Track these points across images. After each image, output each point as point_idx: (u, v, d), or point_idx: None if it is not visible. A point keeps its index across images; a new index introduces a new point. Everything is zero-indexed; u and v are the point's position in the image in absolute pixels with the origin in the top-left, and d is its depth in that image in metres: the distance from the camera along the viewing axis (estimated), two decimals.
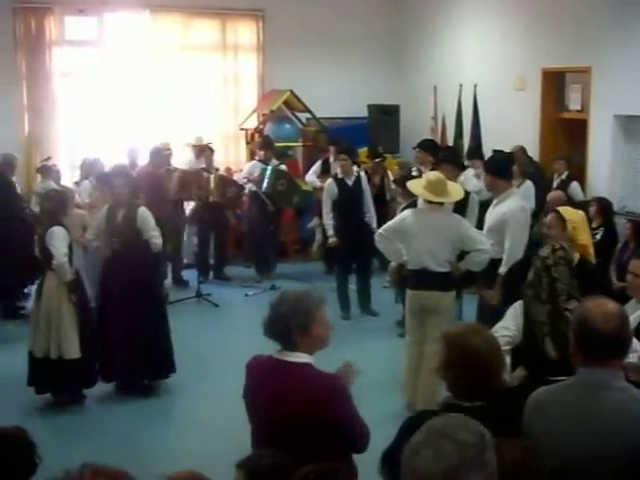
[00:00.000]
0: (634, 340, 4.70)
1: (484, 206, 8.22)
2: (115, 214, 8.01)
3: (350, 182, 10.42)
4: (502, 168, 7.64)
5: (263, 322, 3.88)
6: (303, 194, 12.51)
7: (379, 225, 8.97)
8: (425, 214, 7.34)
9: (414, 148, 11.17)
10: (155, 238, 8.03)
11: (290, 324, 3.81)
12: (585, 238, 6.51)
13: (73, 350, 7.48)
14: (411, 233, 7.24)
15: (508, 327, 4.92)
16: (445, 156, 9.12)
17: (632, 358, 4.75)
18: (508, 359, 4.77)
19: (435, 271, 7.17)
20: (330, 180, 10.56)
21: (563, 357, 4.43)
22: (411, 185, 7.62)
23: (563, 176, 10.97)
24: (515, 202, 7.49)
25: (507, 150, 10.07)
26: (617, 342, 3.15)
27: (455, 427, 2.39)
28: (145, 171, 11.32)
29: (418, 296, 7.28)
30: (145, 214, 8.02)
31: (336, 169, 12.02)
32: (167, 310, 8.37)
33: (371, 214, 10.46)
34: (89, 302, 8.07)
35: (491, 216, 7.58)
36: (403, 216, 7.52)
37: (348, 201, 10.34)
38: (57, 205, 7.67)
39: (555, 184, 10.97)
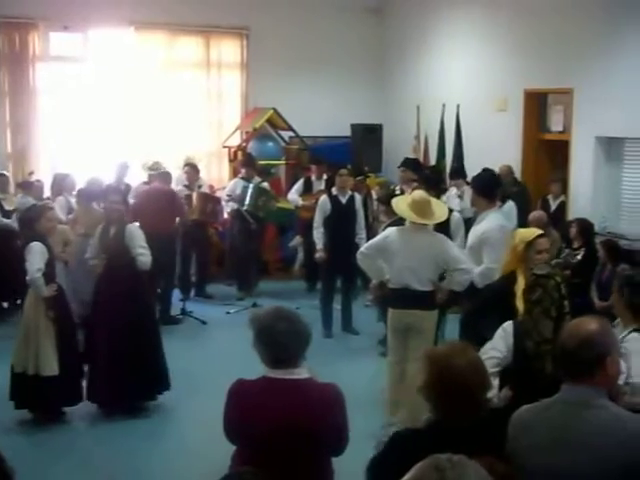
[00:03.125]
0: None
1: (467, 225, 8.25)
2: (108, 232, 7.97)
3: (344, 200, 10.43)
4: (486, 187, 7.66)
5: (275, 341, 3.76)
6: (283, 210, 12.49)
7: None
8: (408, 232, 7.33)
9: (399, 167, 11.23)
10: (142, 256, 7.84)
11: (308, 340, 3.83)
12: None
13: (50, 367, 7.37)
14: (394, 251, 7.23)
15: (497, 348, 4.89)
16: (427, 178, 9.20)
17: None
18: (496, 381, 4.77)
19: (417, 290, 7.15)
20: (324, 196, 10.57)
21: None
22: (396, 204, 7.61)
23: (562, 198, 11.07)
24: (495, 221, 7.49)
25: (496, 170, 10.04)
26: (574, 361, 3.18)
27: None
28: (157, 188, 11.27)
29: (400, 315, 7.25)
30: (133, 230, 7.92)
31: (319, 187, 12.09)
32: (159, 328, 8.28)
33: (362, 236, 10.35)
34: (72, 318, 8.00)
35: (472, 235, 7.60)
36: (386, 234, 7.49)
37: (339, 219, 10.34)
38: (26, 220, 7.62)
39: (554, 207, 11.05)
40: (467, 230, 7.95)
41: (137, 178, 12.48)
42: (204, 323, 11.05)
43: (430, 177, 9.56)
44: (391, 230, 7.56)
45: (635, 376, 4.72)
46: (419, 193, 7.46)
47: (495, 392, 4.73)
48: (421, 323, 7.14)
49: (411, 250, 7.13)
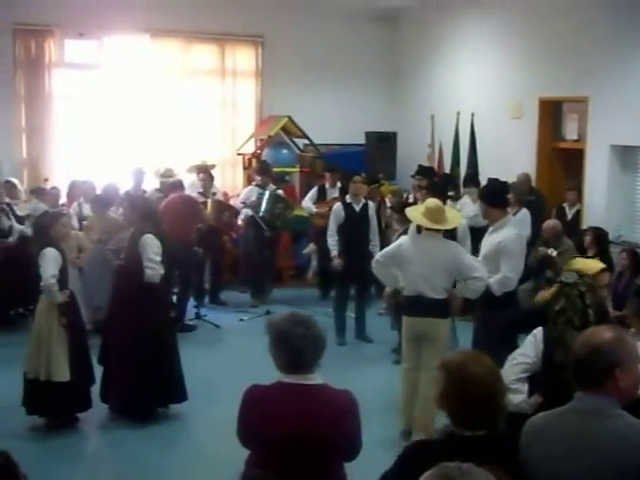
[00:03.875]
0: None
1: (481, 232, 8.22)
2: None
3: (358, 208, 10.41)
4: (496, 197, 7.62)
5: (291, 346, 3.76)
6: (298, 217, 12.46)
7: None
8: (422, 240, 7.33)
9: (412, 176, 11.23)
10: (150, 269, 7.69)
11: (324, 345, 3.85)
12: None
13: (61, 373, 7.35)
14: (407, 259, 7.23)
15: (527, 354, 4.90)
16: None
17: None
18: (525, 386, 4.79)
19: (431, 297, 7.14)
20: (338, 204, 10.56)
21: None
22: (409, 212, 7.63)
23: (578, 206, 11.07)
24: (511, 230, 7.47)
25: (509, 178, 9.93)
26: (584, 369, 3.16)
27: None
28: (175, 196, 11.23)
29: (414, 322, 7.25)
30: (147, 241, 7.74)
31: (333, 195, 12.08)
32: (176, 338, 8.20)
33: (375, 243, 10.36)
34: (84, 324, 8.01)
35: (487, 244, 7.56)
36: (400, 242, 7.51)
37: (353, 226, 10.32)
38: (40, 226, 7.64)
39: (570, 215, 11.04)
40: (481, 238, 7.92)
41: (151, 185, 12.51)
42: (217, 327, 11.11)
43: (437, 184, 9.56)
44: (405, 238, 7.58)
45: None
46: (433, 201, 7.46)
47: (524, 397, 4.74)
48: (435, 331, 7.13)
49: (425, 258, 7.13)
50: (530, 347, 4.93)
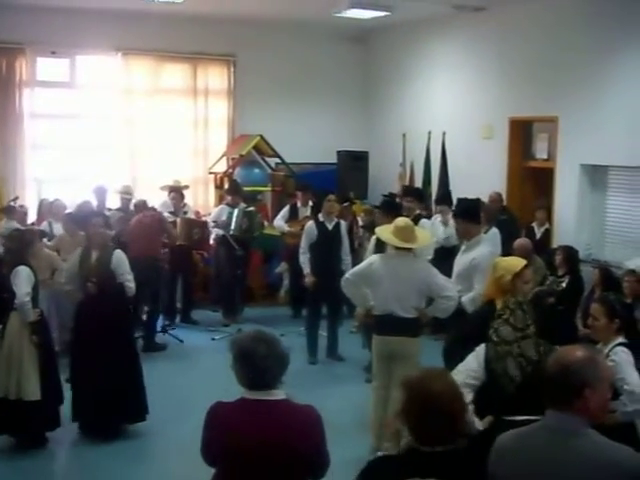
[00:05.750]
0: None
1: (452, 252, 8.25)
2: (89, 256, 7.92)
3: (330, 226, 10.43)
4: (473, 213, 7.70)
5: (254, 364, 3.75)
6: (269, 236, 12.48)
7: None
8: (392, 259, 7.34)
9: (384, 195, 11.26)
10: (129, 282, 7.91)
11: (287, 363, 3.84)
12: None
13: (32, 392, 7.31)
14: (378, 278, 7.23)
15: (469, 362, 4.99)
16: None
17: None
18: (470, 396, 4.78)
19: (401, 316, 7.15)
20: (311, 222, 10.58)
21: (521, 395, 4.56)
22: (379, 231, 7.65)
23: (547, 225, 11.12)
24: (485, 248, 7.53)
25: (479, 197, 9.96)
26: (553, 387, 3.16)
27: None
28: (149, 214, 11.24)
29: (384, 341, 7.25)
30: (120, 257, 7.89)
31: (304, 213, 12.10)
32: (139, 353, 8.30)
33: (347, 261, 10.34)
34: (53, 344, 7.95)
35: (460, 262, 7.60)
36: (370, 261, 7.52)
37: (325, 245, 10.33)
38: (21, 244, 7.61)
39: (538, 235, 11.08)
40: (451, 258, 7.94)
41: (115, 203, 12.39)
42: (181, 342, 11.23)
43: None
44: (375, 257, 7.59)
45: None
46: (402, 220, 7.48)
47: (471, 411, 4.75)
48: (405, 350, 7.13)
49: (395, 277, 7.14)
50: (472, 358, 5.01)
